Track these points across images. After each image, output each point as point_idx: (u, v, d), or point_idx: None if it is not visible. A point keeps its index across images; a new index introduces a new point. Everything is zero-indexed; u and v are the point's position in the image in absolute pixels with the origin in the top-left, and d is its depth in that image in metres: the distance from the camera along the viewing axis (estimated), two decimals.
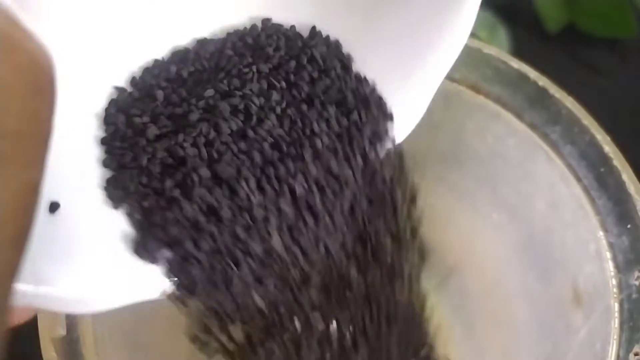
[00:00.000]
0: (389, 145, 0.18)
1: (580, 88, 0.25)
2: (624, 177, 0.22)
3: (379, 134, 0.17)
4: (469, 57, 0.26)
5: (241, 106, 0.17)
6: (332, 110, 0.17)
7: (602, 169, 0.23)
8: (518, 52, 0.30)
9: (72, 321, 0.20)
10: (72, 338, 0.20)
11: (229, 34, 0.19)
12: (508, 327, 0.28)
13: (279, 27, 0.19)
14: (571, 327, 0.23)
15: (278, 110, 0.17)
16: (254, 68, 0.17)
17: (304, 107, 0.17)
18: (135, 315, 0.25)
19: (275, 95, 0.17)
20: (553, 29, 0.44)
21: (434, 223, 0.32)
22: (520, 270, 0.27)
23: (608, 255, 0.22)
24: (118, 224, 0.17)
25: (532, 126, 0.25)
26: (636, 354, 0.19)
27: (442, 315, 0.34)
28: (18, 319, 0.15)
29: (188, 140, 0.16)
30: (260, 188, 0.16)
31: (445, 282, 0.33)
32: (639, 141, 0.25)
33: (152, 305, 0.28)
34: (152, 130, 0.17)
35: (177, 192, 0.16)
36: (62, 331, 0.19)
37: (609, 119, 0.25)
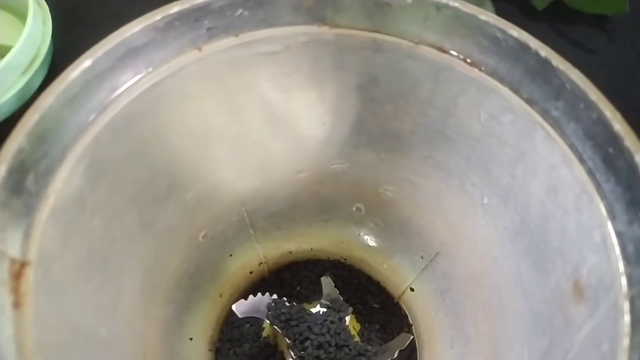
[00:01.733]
0: None
1: None
2: (637, 158, 0.18)
3: None
4: (462, 25, 0.22)
5: None
6: None
7: (610, 150, 0.19)
8: None
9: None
10: None
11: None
12: (498, 316, 0.24)
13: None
14: (571, 322, 0.19)
15: None
16: None
17: None
18: (94, 309, 0.21)
19: None
20: (540, 5, 0.41)
21: (420, 205, 0.29)
22: (513, 258, 0.23)
23: (615, 245, 0.18)
24: None
25: (531, 102, 0.21)
26: None
27: (426, 300, 0.30)
28: None
29: None
30: None
31: (430, 265, 0.29)
32: (626, 120, 0.22)
33: (114, 296, 0.24)
34: None
35: None
36: None
37: None
